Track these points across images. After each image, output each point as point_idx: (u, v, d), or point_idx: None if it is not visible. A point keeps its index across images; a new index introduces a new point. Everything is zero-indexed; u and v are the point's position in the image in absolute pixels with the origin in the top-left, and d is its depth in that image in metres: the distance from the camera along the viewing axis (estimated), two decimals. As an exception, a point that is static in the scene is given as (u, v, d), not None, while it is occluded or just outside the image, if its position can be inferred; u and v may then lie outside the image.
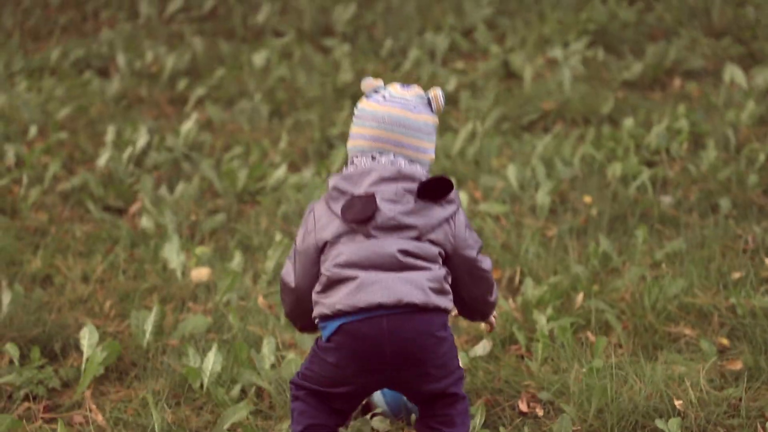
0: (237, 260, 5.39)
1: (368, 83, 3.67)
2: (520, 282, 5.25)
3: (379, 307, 3.47)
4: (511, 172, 6.27)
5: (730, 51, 8.35)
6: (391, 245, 3.51)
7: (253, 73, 8.39)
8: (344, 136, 7.23)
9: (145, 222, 5.86)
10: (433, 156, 3.64)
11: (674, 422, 3.93)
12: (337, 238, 3.53)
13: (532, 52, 8.54)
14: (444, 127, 7.21)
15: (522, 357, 4.59)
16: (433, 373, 3.58)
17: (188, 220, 5.97)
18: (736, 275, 5.09)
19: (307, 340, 4.63)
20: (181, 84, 8.20)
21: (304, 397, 3.62)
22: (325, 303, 3.53)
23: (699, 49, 8.39)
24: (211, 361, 4.38)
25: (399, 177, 3.56)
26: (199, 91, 8.01)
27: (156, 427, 3.93)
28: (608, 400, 4.10)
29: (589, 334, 4.71)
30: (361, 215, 3.50)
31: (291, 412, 3.65)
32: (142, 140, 6.84)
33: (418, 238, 3.54)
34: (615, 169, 6.24)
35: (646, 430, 4.01)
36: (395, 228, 3.53)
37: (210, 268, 5.33)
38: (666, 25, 9.02)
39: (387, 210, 3.52)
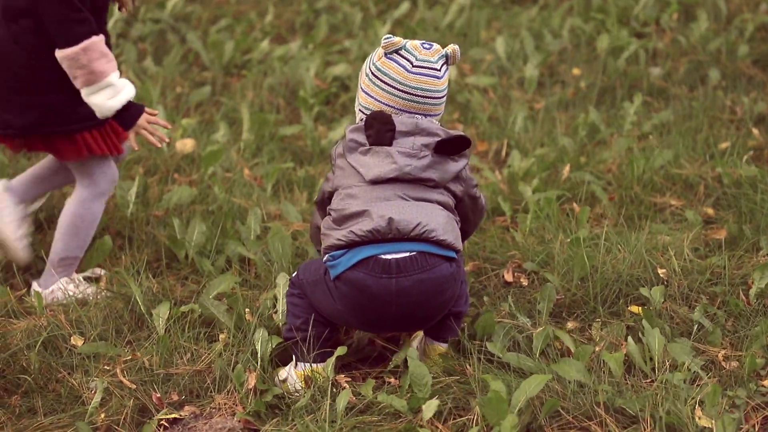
0: (222, 132, 5.36)
1: (391, 42, 3.57)
2: (507, 154, 5.23)
3: (390, 225, 3.46)
4: (500, 44, 6.21)
5: None
6: (410, 190, 3.54)
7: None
8: (331, 9, 7.13)
9: (130, 94, 5.80)
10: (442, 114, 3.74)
11: (657, 290, 3.94)
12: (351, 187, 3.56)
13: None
14: (433, 1, 7.11)
15: (508, 228, 4.59)
16: (445, 308, 3.62)
17: (174, 92, 5.92)
18: (723, 145, 5.08)
19: (292, 212, 4.63)
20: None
21: (302, 295, 3.63)
22: (334, 234, 3.50)
23: None
24: (195, 232, 4.38)
25: (416, 131, 3.54)
26: (186, -38, 7.88)
27: (138, 297, 3.94)
28: (592, 269, 4.11)
29: (575, 205, 4.71)
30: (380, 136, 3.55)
31: (287, 305, 3.65)
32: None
33: (434, 188, 3.57)
34: (604, 41, 6.17)
35: (630, 299, 4.03)
36: (412, 181, 3.53)
37: (195, 140, 5.30)
38: None
39: (404, 163, 3.51)
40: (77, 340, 3.82)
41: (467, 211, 3.73)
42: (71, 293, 4.14)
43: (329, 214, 3.55)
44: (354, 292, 3.45)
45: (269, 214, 4.69)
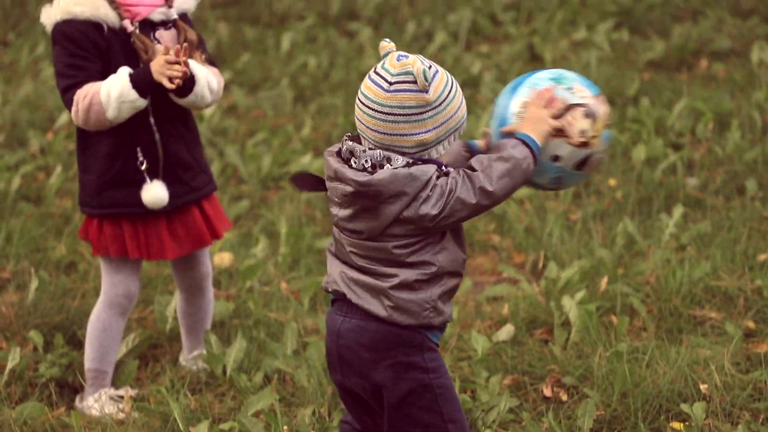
0: (261, 246, 5.39)
1: (381, 47, 3.12)
2: (544, 266, 5.23)
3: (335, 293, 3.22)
4: (536, 155, 6.23)
5: (757, 31, 8.27)
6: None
7: (278, 58, 8.39)
8: (368, 121, 7.21)
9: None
10: (424, 138, 3.03)
11: (699, 406, 3.90)
12: None
13: (556, 34, 8.49)
14: (468, 111, 7.18)
15: (546, 341, 4.57)
16: (388, 416, 3.22)
17: (212, 206, 5.97)
18: (762, 257, 5.05)
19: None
20: (206, 70, 8.19)
21: None
22: None
23: (726, 29, 8.32)
24: (235, 348, 4.38)
25: (335, 177, 3.11)
26: (225, 76, 8.00)
27: (177, 414, 3.93)
28: (632, 384, 4.08)
29: (613, 318, 4.68)
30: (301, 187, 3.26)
31: None
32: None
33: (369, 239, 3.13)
34: (640, 152, 6.19)
35: (671, 414, 3.99)
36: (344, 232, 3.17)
37: (233, 254, 5.33)
38: (692, 6, 8.95)
39: (332, 213, 3.19)
40: (115, 460, 3.82)
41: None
42: (107, 411, 4.13)
43: None
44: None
45: (306, 328, 4.69)
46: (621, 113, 6.97)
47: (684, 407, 3.92)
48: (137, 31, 4.00)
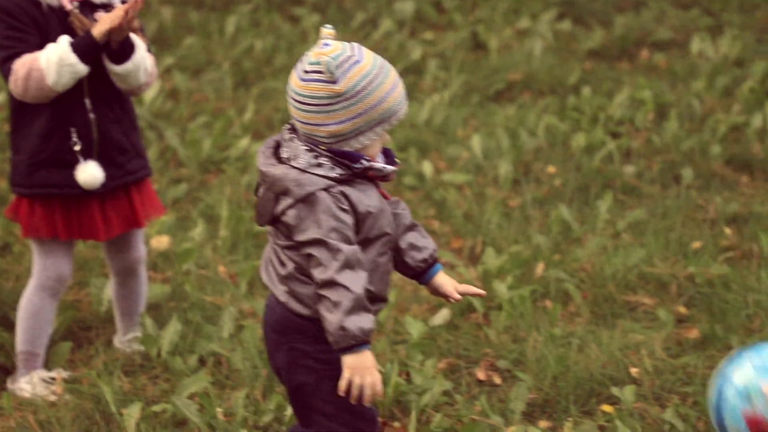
0: (199, 229, 5.38)
1: (321, 32, 3.09)
2: (482, 251, 5.26)
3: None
4: (476, 142, 6.27)
5: (697, 22, 8.36)
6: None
7: (222, 42, 8.35)
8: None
9: (107, 191, 5.82)
10: (337, 129, 3.02)
11: (629, 389, 3.95)
12: None
13: (500, 23, 8.52)
14: (410, 97, 7.19)
15: (481, 326, 4.60)
16: (291, 398, 3.28)
17: (151, 189, 5.94)
18: (696, 245, 5.12)
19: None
20: (148, 53, 8.14)
21: None
22: None
23: (667, 20, 8.39)
24: (170, 331, 4.37)
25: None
26: (168, 59, 7.96)
27: (109, 396, 3.92)
28: (565, 368, 4.12)
29: (548, 303, 4.72)
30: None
31: None
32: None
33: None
34: (579, 140, 6.24)
35: (602, 398, 4.03)
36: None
37: (171, 237, 5.31)
38: (635, -4, 9.02)
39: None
40: (46, 441, 3.80)
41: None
42: (38, 392, 4.11)
43: None
44: None
45: (243, 311, 4.69)
46: (562, 102, 7.02)
47: (615, 390, 3.97)
48: (76, 10, 3.98)
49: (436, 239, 5.45)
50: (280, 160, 3.09)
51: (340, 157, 3.03)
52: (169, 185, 6.02)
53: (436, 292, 3.28)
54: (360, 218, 3.05)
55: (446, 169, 6.13)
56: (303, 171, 3.03)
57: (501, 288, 4.69)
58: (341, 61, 3.00)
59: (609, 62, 7.87)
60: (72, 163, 4.02)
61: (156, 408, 3.89)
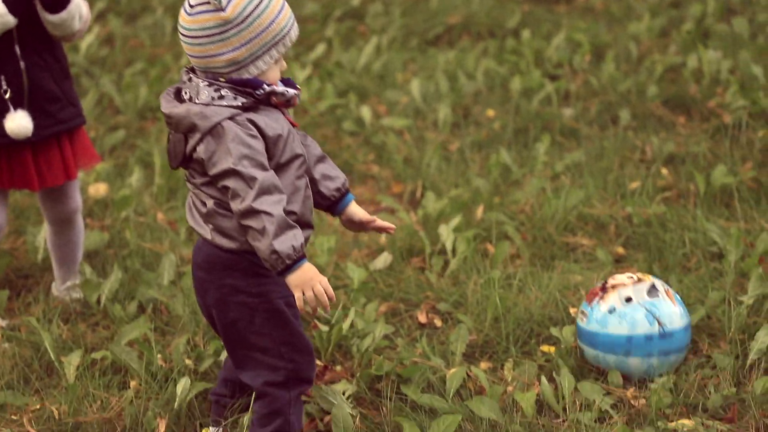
0: (136, 176, 5.33)
1: None
2: (422, 195, 5.26)
3: None
4: (415, 86, 6.26)
5: (634, -36, 8.37)
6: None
7: (156, -13, 8.24)
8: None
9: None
10: (233, 56, 3.05)
11: (568, 329, 3.98)
12: None
13: (439, -35, 8.48)
14: (349, 42, 7.16)
15: (422, 269, 4.61)
16: (223, 338, 3.30)
17: (87, 137, 5.87)
18: (633, 185, 5.15)
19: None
20: (82, -1, 8.02)
21: None
22: None
23: (604, -37, 8.40)
24: (110, 279, 4.33)
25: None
26: (100, 4, 7.85)
27: (48, 344, 3.89)
28: (504, 310, 4.14)
29: (488, 245, 4.74)
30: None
31: None
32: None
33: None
34: (517, 83, 6.25)
35: (541, 338, 4.06)
36: None
37: (108, 184, 5.26)
38: (573, -61, 9.01)
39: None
40: (-16, 390, 3.76)
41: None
42: None
43: None
44: None
45: (183, 258, 4.66)
46: (500, 45, 7.01)
47: (554, 331, 4.00)
48: None
49: (376, 184, 5.45)
50: (183, 102, 3.10)
51: (241, 86, 3.06)
52: (105, 133, 5.96)
53: (351, 221, 3.35)
54: (270, 142, 3.08)
55: (386, 114, 6.12)
56: (206, 105, 3.05)
57: (445, 231, 4.70)
58: None
59: (547, 5, 7.87)
60: (2, 112, 3.96)
61: (96, 355, 3.87)
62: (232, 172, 3.02)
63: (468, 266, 4.53)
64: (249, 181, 3.01)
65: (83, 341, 4.05)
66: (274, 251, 3.01)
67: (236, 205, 3.03)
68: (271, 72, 3.12)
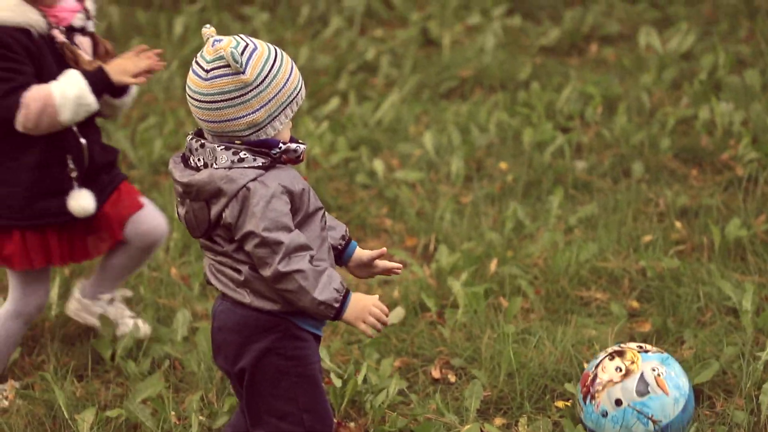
0: (150, 232, 5.34)
1: (203, 33, 3.09)
2: (435, 249, 5.26)
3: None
4: (428, 139, 6.28)
5: (645, 15, 8.40)
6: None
7: (171, 41, 8.30)
8: (261, 105, 7.17)
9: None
10: (253, 118, 3.04)
11: (582, 385, 3.96)
12: None
13: (451, 19, 8.53)
14: (361, 96, 7.19)
15: (435, 324, 4.61)
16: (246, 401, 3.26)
17: (101, 192, 5.90)
18: (647, 238, 5.15)
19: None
20: (97, 53, 8.08)
21: None
22: None
23: (615, 14, 8.43)
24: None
25: (173, 179, 3.15)
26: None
27: (61, 402, 3.89)
28: (518, 365, 4.13)
29: (502, 299, 4.74)
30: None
31: None
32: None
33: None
34: (528, 135, 6.26)
35: (555, 394, 4.05)
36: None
37: (122, 240, 5.27)
38: (583, -9, 9.06)
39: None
40: (-2, 449, 3.76)
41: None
42: None
43: None
44: None
45: (196, 313, 4.66)
46: (512, 98, 7.04)
47: (568, 386, 3.99)
48: (66, 41, 3.95)
49: (389, 238, 5.46)
50: (197, 170, 3.07)
51: (258, 147, 3.05)
52: (119, 187, 5.97)
53: (359, 264, 3.34)
54: (297, 197, 3.08)
55: (398, 167, 6.14)
56: (228, 169, 3.03)
57: (455, 285, 4.70)
58: (242, 51, 3.02)
59: (559, 57, 7.89)
60: (66, 191, 3.99)
61: (110, 413, 3.86)
62: (255, 237, 3.01)
63: (481, 320, 4.53)
64: (274, 246, 3.01)
65: (97, 398, 4.05)
66: (320, 302, 3.03)
67: (265, 272, 3.04)
68: (284, 131, 3.13)
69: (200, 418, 3.83)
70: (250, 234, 3.01)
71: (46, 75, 3.89)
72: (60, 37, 3.94)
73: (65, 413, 3.89)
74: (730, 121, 6.26)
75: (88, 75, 3.90)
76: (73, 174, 4.00)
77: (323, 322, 3.21)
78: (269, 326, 3.12)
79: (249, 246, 3.03)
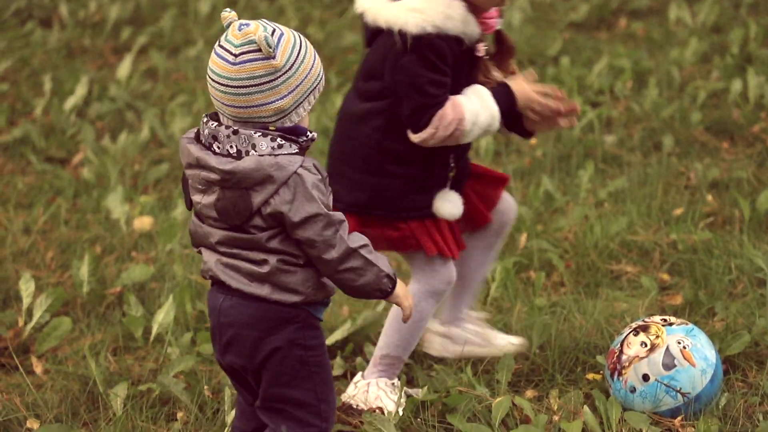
0: (181, 209, 5.37)
1: (223, 17, 3.00)
2: (465, 224, 5.26)
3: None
4: (457, 115, 6.26)
5: (675, -11, 8.36)
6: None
7: (198, 20, 8.33)
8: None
9: (87, 173, 5.82)
10: (281, 104, 2.95)
11: (614, 357, 3.96)
12: None
13: (478, -6, 8.51)
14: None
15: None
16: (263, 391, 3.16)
17: (132, 170, 5.93)
18: (678, 211, 5.13)
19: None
20: (125, 33, 8.12)
21: None
22: None
23: (644, -11, 8.40)
24: (163, 311, 4.34)
25: (197, 165, 2.99)
26: (143, 39, 7.93)
27: (96, 376, 3.92)
28: (549, 337, 4.13)
29: (532, 273, 4.74)
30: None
31: None
32: (82, 90, 6.79)
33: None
34: (559, 110, 6.23)
35: (587, 366, 4.05)
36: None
37: (153, 218, 5.30)
38: (612, -35, 9.01)
39: (195, 201, 3.07)
40: (33, 423, 3.79)
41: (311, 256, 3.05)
42: (388, 399, 3.89)
43: None
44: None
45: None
46: (541, 73, 7.01)
47: (599, 359, 3.99)
48: (486, 56, 3.81)
49: (418, 213, 5.45)
50: (229, 157, 2.97)
51: (289, 134, 2.99)
52: (150, 166, 6.01)
53: None
54: (325, 184, 3.02)
55: (427, 143, 6.13)
56: (272, 156, 2.95)
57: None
58: (271, 36, 2.94)
59: (588, 32, 7.87)
60: (432, 189, 3.86)
61: (142, 387, 3.89)
62: (322, 217, 2.95)
63: (511, 294, 4.53)
64: (338, 224, 2.98)
65: (130, 374, 4.07)
66: (386, 274, 3.02)
67: (330, 254, 2.97)
68: (306, 118, 3.07)
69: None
70: (316, 216, 2.95)
71: (455, 84, 3.72)
72: (482, 50, 3.76)
73: (100, 388, 3.92)
74: (761, 94, 6.22)
75: (499, 99, 3.74)
76: (451, 174, 3.87)
77: (324, 310, 3.18)
78: (289, 318, 3.05)
79: (314, 229, 2.95)
